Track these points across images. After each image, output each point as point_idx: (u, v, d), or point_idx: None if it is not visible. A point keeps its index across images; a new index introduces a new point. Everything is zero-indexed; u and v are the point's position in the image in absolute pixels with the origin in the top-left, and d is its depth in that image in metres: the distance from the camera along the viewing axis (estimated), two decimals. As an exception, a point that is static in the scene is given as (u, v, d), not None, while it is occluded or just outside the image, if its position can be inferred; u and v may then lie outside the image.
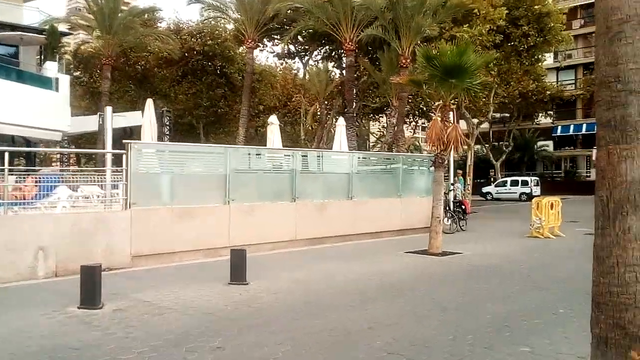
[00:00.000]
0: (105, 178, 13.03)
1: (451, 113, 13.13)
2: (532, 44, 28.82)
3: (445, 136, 12.44)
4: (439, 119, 12.70)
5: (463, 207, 18.95)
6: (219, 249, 11.69)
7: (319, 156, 15.89)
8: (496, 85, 29.32)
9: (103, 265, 10.04)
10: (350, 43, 23.62)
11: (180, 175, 12.19)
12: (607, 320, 3.42)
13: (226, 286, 8.60)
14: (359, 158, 16.73)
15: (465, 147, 28.79)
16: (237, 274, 8.84)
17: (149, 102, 16.98)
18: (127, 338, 5.86)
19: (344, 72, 27.64)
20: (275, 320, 6.54)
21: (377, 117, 42.37)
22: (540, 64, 34.24)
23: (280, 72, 42.76)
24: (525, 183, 40.70)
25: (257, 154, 14.94)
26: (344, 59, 26.25)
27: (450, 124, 12.84)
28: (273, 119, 16.78)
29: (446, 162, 15.26)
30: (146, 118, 16.28)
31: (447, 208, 17.43)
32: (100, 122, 19.72)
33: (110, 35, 26.77)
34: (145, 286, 8.73)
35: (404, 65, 22.42)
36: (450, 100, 13.11)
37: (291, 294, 8.12)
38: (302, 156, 14.46)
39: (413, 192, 17.19)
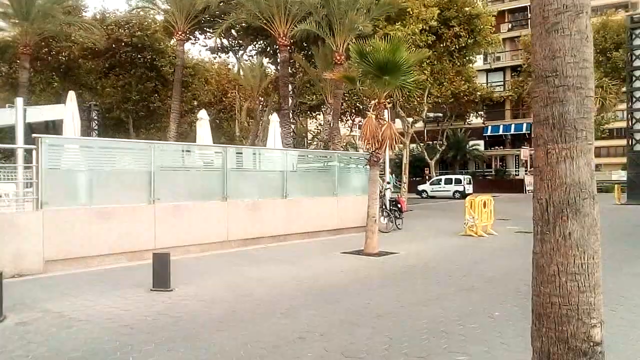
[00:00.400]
0: (26, 176, 12.03)
1: (386, 111, 12.97)
2: (463, 44, 29.46)
3: (380, 134, 12.25)
4: (374, 116, 12.49)
5: (399, 205, 18.93)
6: (144, 252, 10.92)
7: (254, 153, 15.36)
8: (430, 85, 29.77)
9: (12, 271, 9.24)
10: (284, 38, 23.13)
11: (100, 172, 11.30)
12: (549, 333, 3.17)
13: (148, 293, 8.00)
14: (293, 156, 16.32)
15: (401, 145, 29.12)
16: (160, 280, 8.25)
17: (71, 95, 15.90)
18: (28, 357, 5.24)
19: (279, 67, 27.14)
20: (198, 332, 6.03)
21: (314, 114, 42.17)
22: (471, 65, 35.15)
23: (216, 67, 41.66)
24: (458, 181, 41.76)
25: (186, 151, 14.24)
26: (278, 54, 25.73)
27: (385, 122, 12.68)
28: (202, 114, 16.09)
29: (381, 160, 15.11)
30: (68, 111, 15.18)
31: (384, 207, 17.35)
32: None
33: (28, 23, 24.94)
34: (57, 294, 7.98)
35: (339, 62, 22.28)
36: (385, 99, 12.94)
37: (218, 301, 7.60)
38: (235, 153, 13.91)
39: (349, 191, 16.98)
